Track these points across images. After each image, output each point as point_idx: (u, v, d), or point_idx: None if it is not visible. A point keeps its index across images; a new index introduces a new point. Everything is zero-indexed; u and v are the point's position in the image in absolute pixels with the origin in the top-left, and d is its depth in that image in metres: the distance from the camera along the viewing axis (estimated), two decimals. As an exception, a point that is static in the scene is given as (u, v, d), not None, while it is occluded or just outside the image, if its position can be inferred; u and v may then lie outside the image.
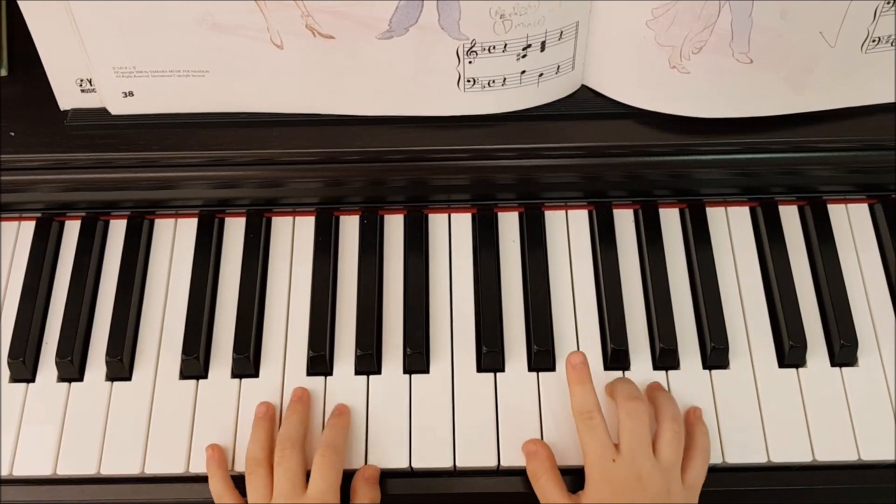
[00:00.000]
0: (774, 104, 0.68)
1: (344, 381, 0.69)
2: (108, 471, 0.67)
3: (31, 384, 0.70)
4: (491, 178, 0.73)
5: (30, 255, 0.74)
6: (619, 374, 0.69)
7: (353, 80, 0.67)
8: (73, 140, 0.69)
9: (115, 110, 0.70)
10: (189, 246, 0.75)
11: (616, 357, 0.69)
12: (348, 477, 0.65)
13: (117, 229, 0.76)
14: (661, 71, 0.66)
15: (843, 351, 0.69)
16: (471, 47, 0.64)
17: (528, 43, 0.64)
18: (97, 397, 0.69)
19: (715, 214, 0.75)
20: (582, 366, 0.65)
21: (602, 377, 0.68)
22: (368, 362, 0.69)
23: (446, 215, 0.76)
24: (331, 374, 0.70)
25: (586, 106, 0.70)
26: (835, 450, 0.66)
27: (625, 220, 0.75)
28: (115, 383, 0.70)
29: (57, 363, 0.70)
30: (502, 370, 0.69)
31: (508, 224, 0.75)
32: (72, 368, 0.70)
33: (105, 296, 0.73)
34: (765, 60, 0.64)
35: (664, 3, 0.62)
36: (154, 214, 0.76)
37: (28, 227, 0.76)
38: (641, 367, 0.69)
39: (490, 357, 0.69)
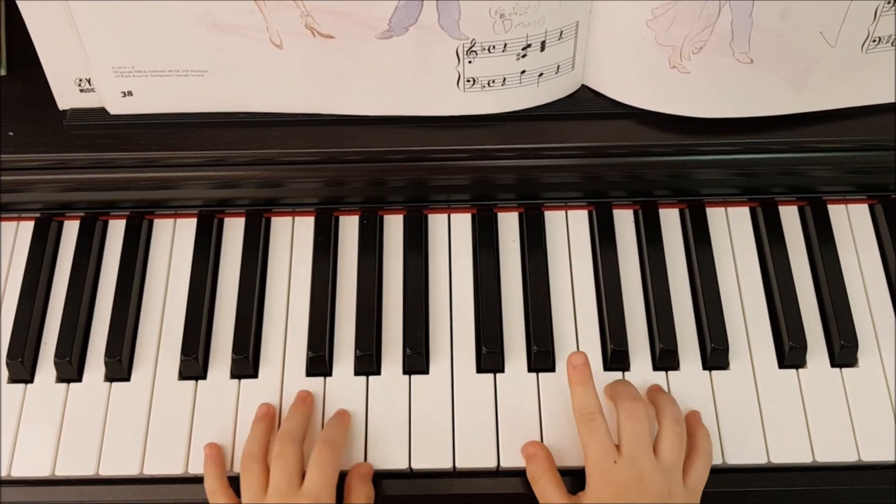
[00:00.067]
0: (775, 104, 0.68)
1: (343, 382, 0.69)
2: (106, 471, 0.67)
3: (29, 385, 0.70)
4: (491, 179, 0.73)
5: (28, 255, 0.74)
6: (618, 374, 0.69)
7: (352, 79, 0.67)
8: (72, 140, 0.69)
9: (114, 110, 0.70)
10: (188, 246, 0.75)
11: (616, 358, 0.69)
12: (342, 476, 0.65)
13: (116, 229, 0.76)
14: (661, 71, 0.66)
15: (844, 351, 0.69)
16: (470, 47, 0.64)
17: (528, 43, 0.64)
18: (96, 398, 0.69)
19: (715, 215, 0.75)
20: (583, 366, 0.64)
21: (602, 378, 0.68)
22: (368, 363, 0.69)
23: (446, 215, 0.76)
24: (330, 374, 0.70)
25: (586, 106, 0.70)
26: (835, 450, 0.66)
27: (625, 221, 0.75)
28: (114, 384, 0.70)
29: (55, 363, 0.69)
30: (502, 371, 0.69)
31: (508, 224, 0.75)
32: (70, 369, 0.69)
33: (104, 296, 0.73)
34: (765, 60, 0.64)
35: (664, 2, 0.62)
36: (153, 214, 0.76)
37: (27, 227, 0.76)
38: (641, 368, 0.69)
39: (490, 358, 0.69)
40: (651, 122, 0.69)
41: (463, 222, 0.75)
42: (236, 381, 0.70)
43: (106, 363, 0.69)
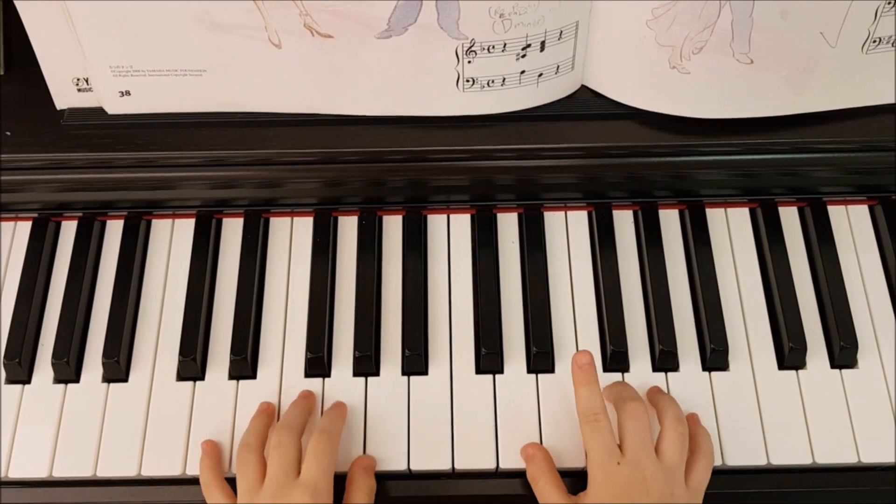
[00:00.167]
0: (775, 104, 0.68)
1: (342, 383, 0.69)
2: (104, 472, 0.67)
3: (27, 385, 0.70)
4: (490, 179, 0.73)
5: (26, 255, 0.74)
6: (618, 375, 0.69)
7: (351, 79, 0.67)
8: (70, 140, 0.69)
9: (111, 110, 0.69)
10: (186, 246, 0.75)
11: (615, 359, 0.69)
12: (339, 476, 0.65)
13: (114, 230, 0.76)
14: (662, 71, 0.66)
15: (843, 353, 0.68)
16: (470, 47, 0.64)
17: (528, 43, 0.64)
18: (94, 399, 0.69)
19: (715, 215, 0.75)
20: (589, 366, 0.64)
21: (601, 379, 0.67)
22: (367, 364, 0.69)
23: (445, 216, 0.76)
24: (329, 375, 0.70)
25: (586, 106, 0.70)
26: (834, 452, 0.66)
27: (624, 221, 0.75)
28: (112, 385, 0.70)
29: (53, 364, 0.69)
30: (501, 372, 0.69)
31: (508, 225, 0.75)
32: (68, 370, 0.69)
33: (102, 297, 0.73)
34: (765, 61, 0.64)
35: (664, 2, 0.62)
36: (151, 215, 0.76)
37: (24, 228, 0.76)
38: (641, 369, 0.69)
39: (489, 359, 0.69)
40: (651, 122, 0.69)
41: (462, 223, 0.75)
42: (234, 381, 0.69)
43: (104, 364, 0.69)
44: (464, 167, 0.71)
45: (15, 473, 0.67)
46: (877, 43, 0.64)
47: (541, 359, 0.69)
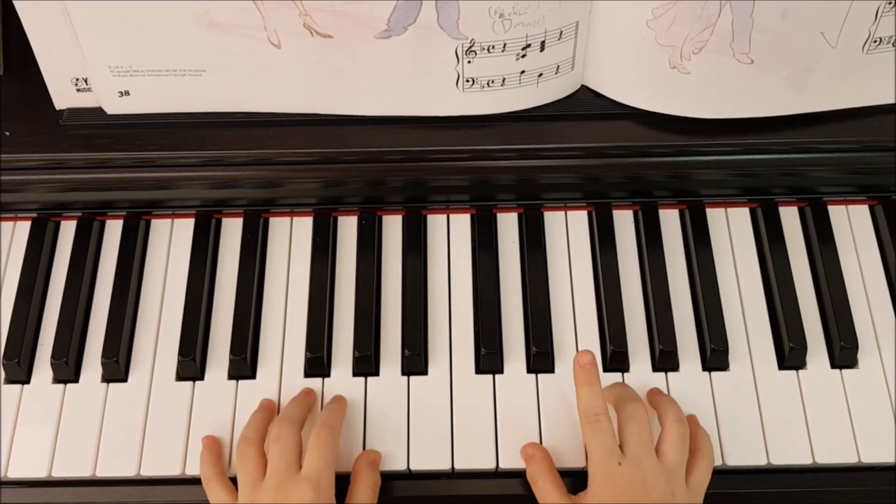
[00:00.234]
0: (775, 104, 0.68)
1: (342, 383, 0.69)
2: (103, 472, 0.66)
3: (26, 385, 0.70)
4: (490, 179, 0.73)
5: (25, 255, 0.74)
6: (618, 375, 0.69)
7: (351, 79, 0.66)
8: (69, 140, 0.69)
9: (111, 110, 0.69)
10: (186, 246, 0.74)
11: (615, 359, 0.69)
12: (339, 476, 0.65)
13: (113, 230, 0.76)
14: (662, 71, 0.65)
15: (844, 353, 0.68)
16: (470, 47, 0.64)
17: (528, 43, 0.64)
18: (93, 399, 0.69)
19: (715, 215, 0.75)
20: (590, 366, 0.63)
21: (601, 379, 0.67)
22: (366, 364, 0.69)
23: (445, 216, 0.76)
24: (328, 375, 0.69)
25: (586, 106, 0.70)
26: (835, 452, 0.66)
27: (624, 221, 0.75)
28: (111, 385, 0.69)
29: (52, 364, 0.69)
30: (501, 372, 0.69)
31: (507, 225, 0.75)
32: (67, 370, 0.69)
33: (101, 296, 0.73)
34: (765, 61, 0.64)
35: (664, 2, 0.62)
36: (150, 215, 0.76)
37: (24, 228, 0.75)
38: (641, 369, 0.69)
39: (489, 359, 0.69)
40: (651, 122, 0.69)
41: (462, 223, 0.75)
42: (234, 381, 0.69)
43: (103, 364, 0.69)
44: (464, 167, 0.71)
45: (14, 473, 0.66)
46: (877, 43, 0.64)
47: (541, 359, 0.68)
